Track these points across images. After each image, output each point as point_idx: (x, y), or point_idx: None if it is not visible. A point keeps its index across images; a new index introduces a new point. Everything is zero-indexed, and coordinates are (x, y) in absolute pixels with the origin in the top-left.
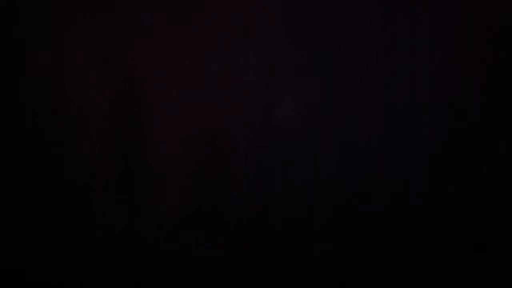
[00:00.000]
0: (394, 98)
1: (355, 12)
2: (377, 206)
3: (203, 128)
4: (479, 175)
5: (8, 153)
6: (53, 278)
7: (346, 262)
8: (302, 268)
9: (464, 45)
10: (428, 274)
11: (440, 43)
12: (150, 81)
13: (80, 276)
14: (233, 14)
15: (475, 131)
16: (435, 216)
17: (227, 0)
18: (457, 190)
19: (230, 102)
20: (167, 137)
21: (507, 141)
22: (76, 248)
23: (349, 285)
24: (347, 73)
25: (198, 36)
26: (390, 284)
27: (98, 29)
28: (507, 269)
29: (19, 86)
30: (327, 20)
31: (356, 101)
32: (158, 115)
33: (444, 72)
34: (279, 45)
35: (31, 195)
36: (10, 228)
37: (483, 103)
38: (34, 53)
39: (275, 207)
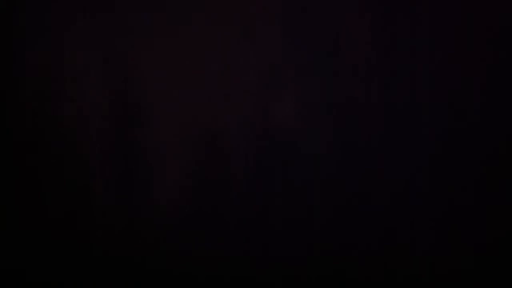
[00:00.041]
0: (394, 98)
1: (355, 12)
2: (377, 206)
3: (203, 128)
4: (479, 175)
5: (8, 153)
6: (53, 278)
7: (346, 262)
8: (302, 268)
9: (464, 45)
10: (428, 274)
11: (440, 43)
12: (150, 81)
13: (80, 276)
14: (233, 14)
15: (475, 131)
16: (435, 216)
17: (227, 0)
18: (457, 190)
19: (230, 102)
20: (167, 137)
21: (507, 141)
22: (76, 248)
23: (349, 285)
24: (347, 73)
25: (198, 36)
26: (390, 284)
27: (98, 29)
28: (507, 269)
29: (19, 86)
30: (327, 20)
31: (356, 101)
32: (158, 115)
33: (444, 72)
34: (279, 45)
35: (31, 195)
36: (10, 228)
37: (483, 103)
38: (34, 53)
39: (275, 207)
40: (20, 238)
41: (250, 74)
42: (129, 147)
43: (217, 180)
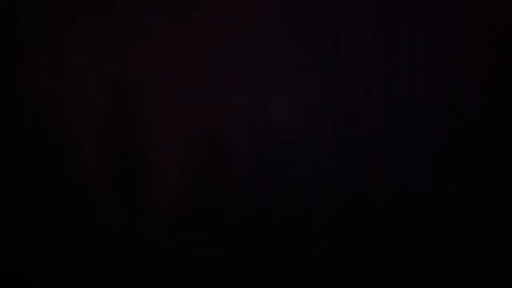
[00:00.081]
0: (394, 98)
1: (355, 12)
2: (377, 206)
3: (203, 128)
4: (479, 175)
5: (8, 153)
6: (53, 278)
7: (346, 262)
8: (302, 268)
9: (464, 45)
10: (428, 274)
11: (440, 43)
12: (150, 81)
13: (80, 276)
14: (233, 14)
15: (475, 131)
16: (435, 216)
17: (227, 0)
18: (457, 190)
19: (230, 102)
20: (167, 137)
21: (507, 141)
22: (76, 248)
23: (349, 285)
24: (347, 73)
25: (198, 36)
26: (390, 284)
27: (98, 29)
28: (507, 269)
29: (19, 86)
30: (327, 20)
31: (356, 101)
32: (158, 115)
33: (444, 72)
34: (279, 45)
35: (31, 195)
36: (10, 228)
37: (483, 103)
38: (34, 53)
39: (275, 207)
40: (20, 238)
41: (250, 74)
42: (129, 147)
43: (217, 180)
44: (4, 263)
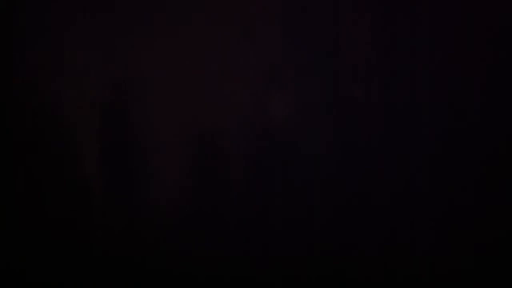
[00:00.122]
0: (394, 98)
1: (355, 12)
2: (377, 206)
3: (203, 128)
4: (479, 175)
5: (8, 153)
6: (53, 278)
7: (346, 262)
8: (302, 268)
9: (464, 45)
10: (428, 274)
11: (440, 43)
12: (150, 81)
13: (80, 276)
14: (233, 14)
15: (475, 131)
16: (435, 216)
17: (227, 0)
18: (457, 190)
19: (230, 102)
20: (167, 137)
21: (507, 141)
22: (76, 248)
23: (349, 285)
24: (347, 73)
25: (198, 36)
26: (390, 284)
27: (98, 29)
28: (507, 269)
29: (19, 86)
30: (327, 20)
31: (356, 101)
32: (158, 115)
33: (444, 72)
34: (279, 45)
35: (31, 195)
36: (10, 228)
37: (483, 103)
38: (34, 53)
39: (275, 207)
40: (20, 238)
41: (250, 74)
42: (129, 147)
43: (217, 180)
44: (4, 263)
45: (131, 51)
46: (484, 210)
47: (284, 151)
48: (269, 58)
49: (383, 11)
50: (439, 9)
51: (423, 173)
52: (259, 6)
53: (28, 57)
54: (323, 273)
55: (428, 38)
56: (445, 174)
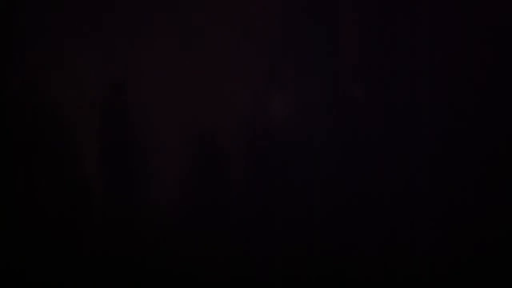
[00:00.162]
0: (394, 98)
1: (355, 12)
2: (377, 206)
3: (203, 128)
4: (479, 175)
5: (8, 153)
6: (53, 278)
7: (346, 262)
8: (302, 268)
9: (464, 45)
10: (428, 274)
11: (440, 43)
12: (150, 81)
13: (80, 276)
14: (233, 14)
15: (475, 131)
16: (435, 216)
17: (227, 0)
18: (457, 190)
19: (230, 102)
20: (167, 137)
21: (507, 141)
22: (76, 248)
23: (349, 285)
24: (347, 73)
25: (198, 36)
26: (390, 284)
27: (98, 29)
28: (507, 269)
29: (19, 86)
30: (327, 20)
31: (356, 101)
32: (158, 115)
33: (444, 72)
34: (279, 45)
35: (31, 195)
36: (10, 228)
37: (483, 103)
38: (34, 53)
39: (275, 207)
40: (20, 238)
41: (250, 74)
42: (129, 147)
43: (217, 180)
44: (4, 263)
45: (131, 51)
46: (484, 210)
47: (284, 151)
48: (269, 58)
49: (383, 11)
50: (439, 9)
51: (423, 173)
52: (259, 6)
53: (28, 57)
54: (323, 273)
55: (428, 38)
56: (445, 174)
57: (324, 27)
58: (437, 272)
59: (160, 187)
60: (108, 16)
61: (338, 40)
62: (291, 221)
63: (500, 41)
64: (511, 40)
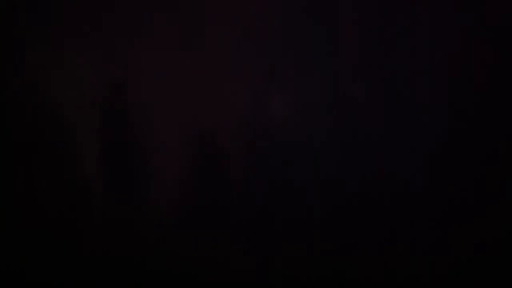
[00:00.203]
0: (394, 98)
1: (355, 12)
2: (377, 206)
3: (203, 128)
4: (479, 175)
5: (8, 153)
6: (53, 278)
7: (346, 262)
8: (302, 268)
9: (464, 45)
10: (428, 274)
11: (440, 43)
12: (150, 81)
13: (80, 276)
14: (233, 14)
15: (475, 131)
16: (435, 216)
17: (227, 0)
18: (457, 190)
19: (230, 102)
20: (167, 137)
21: (507, 141)
22: (76, 248)
23: (349, 285)
24: (347, 73)
25: (198, 36)
26: (390, 284)
27: (98, 29)
28: (507, 269)
29: (19, 86)
30: (327, 20)
31: (356, 101)
32: (158, 115)
33: (444, 72)
34: (279, 45)
35: (31, 195)
36: (10, 228)
37: (483, 103)
38: (34, 53)
39: (275, 207)
40: (20, 238)
41: (250, 74)
42: (129, 147)
43: (217, 180)
44: (4, 263)
45: (131, 51)
46: (484, 210)
47: (284, 151)
48: (269, 58)
49: (383, 11)
50: (439, 9)
51: (423, 173)
52: (259, 6)
53: (28, 57)
54: (323, 273)
55: (428, 38)
56: (445, 174)
57: (324, 27)
58: (437, 272)
59: (160, 187)
60: (108, 16)
61: (338, 40)
62: (291, 221)
63: (500, 41)
64: (511, 40)
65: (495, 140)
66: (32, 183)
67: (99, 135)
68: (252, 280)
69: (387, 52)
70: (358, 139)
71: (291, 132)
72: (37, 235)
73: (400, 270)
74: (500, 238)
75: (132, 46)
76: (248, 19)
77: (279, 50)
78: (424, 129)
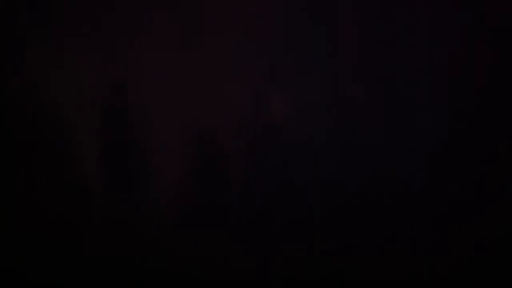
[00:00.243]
0: (394, 98)
1: (355, 12)
2: (377, 206)
3: (203, 128)
4: (479, 175)
5: (8, 153)
6: (53, 278)
7: (346, 262)
8: (302, 268)
9: (464, 45)
10: (428, 274)
11: (440, 43)
12: (150, 81)
13: (80, 276)
14: (233, 14)
15: (475, 131)
16: (435, 216)
17: (227, 0)
18: (457, 190)
19: (229, 102)
20: (167, 137)
21: (507, 141)
22: (76, 248)
23: (349, 285)
24: (347, 73)
25: (198, 36)
26: (390, 284)
27: (98, 29)
28: (507, 269)
29: (19, 86)
30: (327, 20)
31: (356, 101)
32: (158, 115)
33: (444, 72)
34: (279, 45)
35: (31, 195)
36: (10, 228)
37: (483, 103)
38: (34, 53)
39: (275, 207)
40: (20, 238)
41: (250, 74)
42: (129, 147)
43: (217, 180)
44: (4, 263)
45: (131, 51)
46: (484, 210)
47: (284, 151)
48: (269, 58)
49: (383, 11)
50: (439, 9)
51: (423, 173)
52: (259, 6)
53: (28, 57)
54: (323, 273)
55: (428, 38)
56: (445, 174)
57: (324, 27)
58: (437, 272)
59: (160, 187)
60: (108, 16)
61: (338, 40)
62: (291, 221)
63: (500, 41)
64: (511, 40)
65: (495, 140)
66: (32, 183)
67: (99, 135)
68: (252, 280)
69: (387, 52)
70: (358, 139)
71: (291, 132)
72: (37, 235)
73: (400, 270)
74: (500, 238)
75: (132, 46)
76: (248, 19)
77: (279, 50)
78: (424, 129)
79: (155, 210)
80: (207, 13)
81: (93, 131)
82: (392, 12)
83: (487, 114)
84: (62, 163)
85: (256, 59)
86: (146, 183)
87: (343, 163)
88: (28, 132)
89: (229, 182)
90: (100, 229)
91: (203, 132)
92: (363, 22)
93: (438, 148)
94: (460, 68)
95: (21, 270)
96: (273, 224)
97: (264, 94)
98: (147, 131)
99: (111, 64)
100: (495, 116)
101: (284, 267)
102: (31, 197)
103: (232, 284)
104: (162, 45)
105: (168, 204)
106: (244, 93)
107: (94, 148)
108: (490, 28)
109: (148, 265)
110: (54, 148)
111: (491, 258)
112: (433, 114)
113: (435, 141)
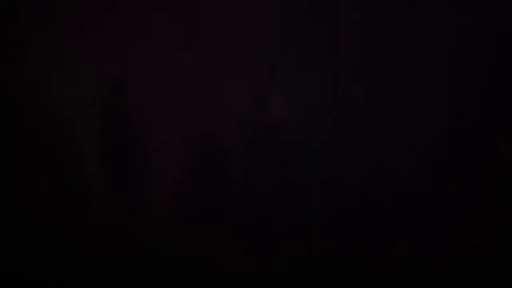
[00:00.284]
0: (394, 98)
1: (355, 12)
2: (377, 206)
3: (203, 128)
4: (479, 175)
5: (8, 153)
6: (53, 278)
7: (346, 262)
8: (302, 268)
9: (464, 45)
10: (428, 274)
11: (440, 43)
12: (150, 81)
13: (80, 276)
14: (233, 14)
15: (475, 131)
16: (435, 216)
17: (227, 0)
18: (457, 190)
19: (229, 102)
20: (167, 137)
21: (507, 141)
22: (76, 248)
23: (349, 285)
24: (347, 73)
25: (198, 36)
26: (390, 284)
27: (98, 29)
28: (507, 269)
29: (19, 86)
30: (327, 20)
31: (356, 101)
32: (158, 115)
33: (444, 72)
34: (279, 45)
35: (31, 195)
36: (10, 228)
37: (483, 103)
38: (34, 53)
39: (275, 207)
40: (20, 238)
41: (250, 74)
42: (129, 147)
43: (217, 180)
44: (4, 263)
45: (131, 51)
46: (484, 210)
47: (284, 151)
48: (269, 58)
49: (383, 11)
50: (439, 9)
51: (423, 173)
52: (259, 6)
53: (28, 57)
54: (323, 273)
55: (428, 38)
56: (445, 174)
57: (324, 27)
58: (437, 272)
59: (160, 187)
60: (108, 16)
61: (338, 40)
62: (291, 221)
63: (500, 41)
64: (511, 40)
65: (495, 140)
66: (32, 183)
67: (99, 135)
68: (252, 280)
69: (387, 52)
70: (358, 139)
71: (291, 132)
72: (37, 235)
73: (400, 270)
74: (500, 238)
75: (132, 46)
76: (248, 19)
77: (279, 50)
78: (424, 129)
79: (155, 210)
80: (207, 13)
81: (93, 131)
82: (392, 12)
83: (487, 114)
84: (62, 163)
85: (256, 59)
86: (146, 183)
87: (343, 163)
88: (28, 132)
89: (229, 182)
90: (100, 229)
91: (203, 132)
92: (363, 22)
93: (438, 148)
94: (460, 68)
95: (21, 270)
96: (273, 224)
97: (264, 94)
98: (147, 131)
99: (111, 64)
100: (495, 116)
101: (284, 267)
102: (31, 197)
103: (232, 284)
104: (162, 45)
105: (168, 204)
106: (244, 93)
107: (94, 148)
108: (490, 28)
109: (148, 265)
110: (54, 148)
111: (491, 258)
112: (433, 114)
113: (435, 141)
